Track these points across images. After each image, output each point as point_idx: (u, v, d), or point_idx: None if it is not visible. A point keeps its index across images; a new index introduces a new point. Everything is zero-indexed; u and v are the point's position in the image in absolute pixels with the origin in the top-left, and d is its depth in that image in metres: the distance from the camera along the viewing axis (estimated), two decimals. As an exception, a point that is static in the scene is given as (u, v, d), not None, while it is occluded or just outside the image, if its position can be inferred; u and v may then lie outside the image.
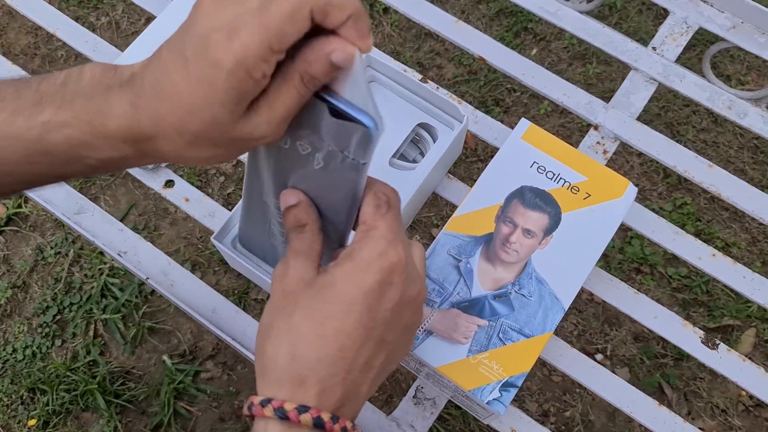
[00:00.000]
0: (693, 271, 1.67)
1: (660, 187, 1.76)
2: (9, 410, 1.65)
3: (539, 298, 0.73)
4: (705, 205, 1.75)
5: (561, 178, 0.77)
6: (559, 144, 0.79)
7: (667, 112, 1.77)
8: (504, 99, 1.88)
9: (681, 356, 1.61)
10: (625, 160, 1.78)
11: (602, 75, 1.88)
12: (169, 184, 0.85)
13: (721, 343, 0.78)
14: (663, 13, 1.93)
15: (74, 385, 1.65)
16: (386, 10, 1.99)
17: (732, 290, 0.80)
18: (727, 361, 0.78)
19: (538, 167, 0.78)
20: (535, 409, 1.56)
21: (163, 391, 1.63)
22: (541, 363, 0.76)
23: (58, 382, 1.66)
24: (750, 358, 0.78)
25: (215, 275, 1.72)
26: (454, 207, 0.79)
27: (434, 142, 0.82)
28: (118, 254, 0.81)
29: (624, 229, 1.68)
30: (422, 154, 0.82)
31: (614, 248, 1.69)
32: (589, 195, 0.77)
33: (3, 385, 1.66)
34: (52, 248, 1.79)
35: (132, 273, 0.80)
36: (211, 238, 0.76)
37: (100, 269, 1.75)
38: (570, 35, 1.92)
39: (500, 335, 0.71)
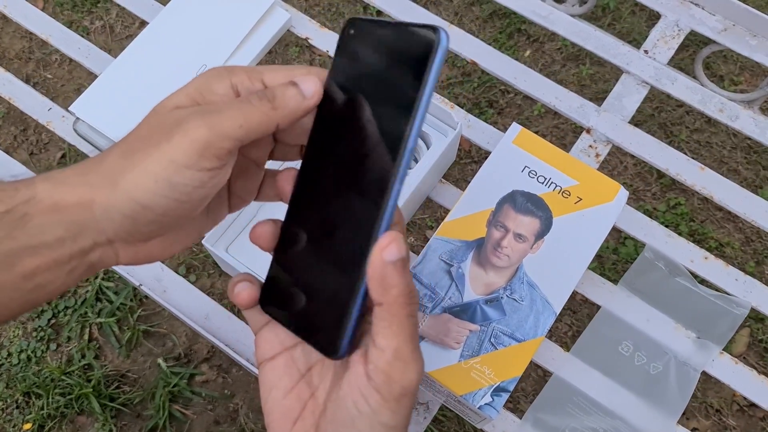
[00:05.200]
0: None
1: (654, 188, 1.76)
2: (4, 414, 1.65)
3: (531, 302, 0.73)
4: (699, 206, 1.75)
5: (552, 183, 0.77)
6: (551, 148, 0.79)
7: (660, 112, 1.78)
8: (498, 100, 1.88)
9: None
10: (619, 161, 1.78)
11: (596, 76, 1.88)
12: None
13: (714, 346, 0.78)
14: (656, 15, 1.94)
15: (69, 389, 1.65)
16: (379, 13, 1.99)
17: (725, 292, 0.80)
18: (719, 364, 0.78)
19: (530, 171, 0.78)
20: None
21: (158, 395, 1.63)
22: (535, 364, 0.76)
23: (53, 386, 1.66)
24: (744, 358, 0.78)
25: (210, 278, 1.72)
26: (448, 210, 0.79)
27: (428, 148, 0.82)
28: (111, 261, 0.81)
29: (618, 230, 1.68)
30: (416, 160, 0.82)
31: (608, 249, 1.69)
32: (581, 199, 0.77)
33: (-2, 390, 1.67)
34: (46, 252, 1.78)
35: (125, 279, 0.80)
36: (203, 242, 0.76)
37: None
38: (563, 36, 1.93)
39: (492, 340, 0.71)
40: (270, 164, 0.52)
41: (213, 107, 0.43)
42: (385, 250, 0.41)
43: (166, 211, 0.42)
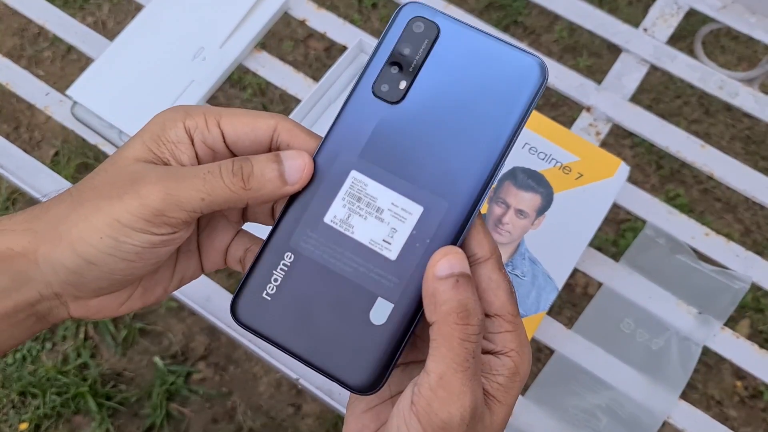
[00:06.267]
0: (686, 262, 1.67)
1: (652, 179, 1.76)
2: (0, 414, 1.64)
3: (532, 278, 0.72)
4: (697, 197, 1.74)
5: (553, 159, 0.77)
6: (551, 125, 0.78)
7: (658, 103, 1.77)
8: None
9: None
10: (617, 151, 1.78)
11: (593, 67, 1.88)
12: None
13: (715, 321, 0.78)
14: (652, 3, 1.93)
15: (65, 388, 1.64)
16: (375, 5, 1.99)
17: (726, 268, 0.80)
18: (721, 340, 0.77)
19: (530, 148, 0.77)
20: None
21: (155, 393, 1.62)
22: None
23: (49, 386, 1.64)
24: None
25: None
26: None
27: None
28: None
29: (618, 222, 1.68)
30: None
31: (607, 241, 1.68)
32: (581, 175, 0.76)
33: (-7, 389, 1.65)
34: (41, 250, 1.77)
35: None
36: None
37: (90, 271, 1.74)
38: (560, 28, 1.93)
39: (494, 317, 0.71)
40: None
41: (176, 171, 0.39)
42: (437, 264, 0.38)
43: (114, 269, 0.39)
